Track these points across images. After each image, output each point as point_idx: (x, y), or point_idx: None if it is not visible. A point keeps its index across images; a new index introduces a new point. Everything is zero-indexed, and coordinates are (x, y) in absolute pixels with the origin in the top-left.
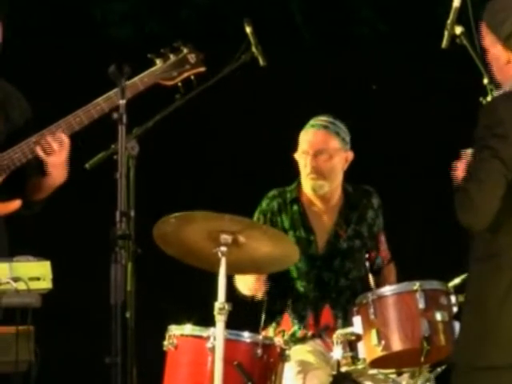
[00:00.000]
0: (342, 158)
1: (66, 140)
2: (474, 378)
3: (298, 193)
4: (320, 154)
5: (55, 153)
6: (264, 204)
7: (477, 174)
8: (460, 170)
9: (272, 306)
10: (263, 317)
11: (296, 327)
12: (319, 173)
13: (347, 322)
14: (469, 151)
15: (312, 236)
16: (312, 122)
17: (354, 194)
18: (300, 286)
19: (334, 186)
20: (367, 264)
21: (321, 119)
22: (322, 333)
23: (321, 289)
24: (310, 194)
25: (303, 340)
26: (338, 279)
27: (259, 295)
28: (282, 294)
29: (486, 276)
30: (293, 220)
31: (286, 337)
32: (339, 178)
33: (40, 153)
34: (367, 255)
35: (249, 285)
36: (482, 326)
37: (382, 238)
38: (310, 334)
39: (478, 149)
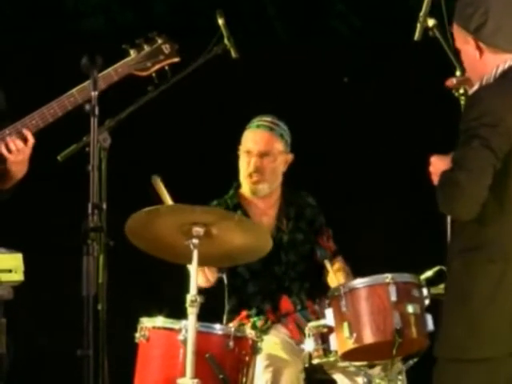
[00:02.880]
0: (283, 160)
1: (30, 139)
2: (462, 371)
3: (238, 198)
4: (265, 156)
5: (18, 151)
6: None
7: (466, 164)
8: (435, 174)
9: (229, 304)
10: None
11: (255, 318)
12: (262, 173)
13: (304, 306)
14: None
15: None
16: (257, 122)
17: (289, 192)
18: (255, 284)
19: (274, 188)
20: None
21: (266, 120)
22: (282, 318)
23: (275, 282)
24: (249, 195)
25: (265, 330)
26: (288, 271)
27: (213, 282)
28: (236, 294)
29: (473, 268)
30: None
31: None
32: (279, 179)
33: (2, 150)
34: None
35: (205, 276)
36: (471, 317)
37: (328, 233)
38: (269, 322)
39: (465, 139)
